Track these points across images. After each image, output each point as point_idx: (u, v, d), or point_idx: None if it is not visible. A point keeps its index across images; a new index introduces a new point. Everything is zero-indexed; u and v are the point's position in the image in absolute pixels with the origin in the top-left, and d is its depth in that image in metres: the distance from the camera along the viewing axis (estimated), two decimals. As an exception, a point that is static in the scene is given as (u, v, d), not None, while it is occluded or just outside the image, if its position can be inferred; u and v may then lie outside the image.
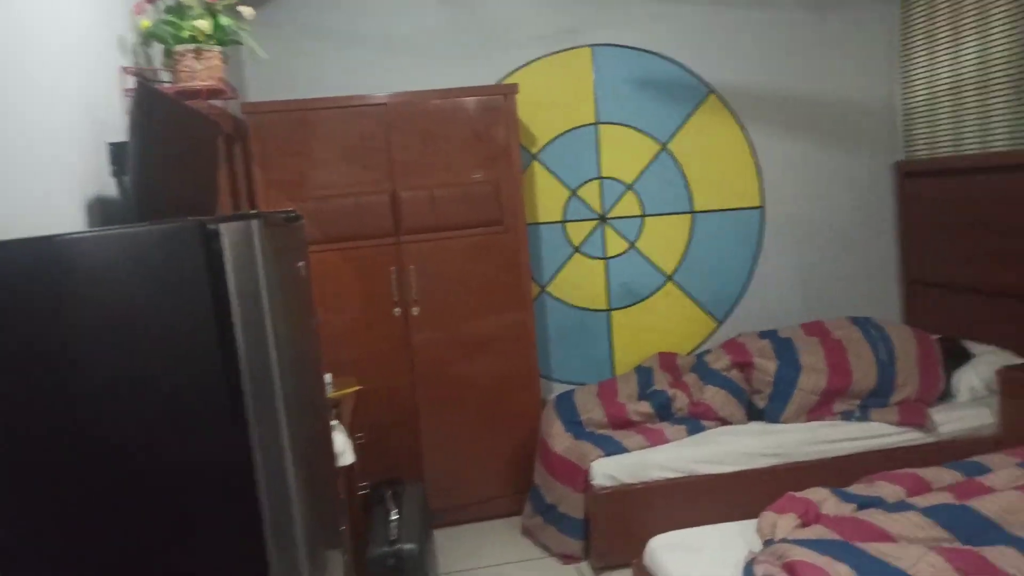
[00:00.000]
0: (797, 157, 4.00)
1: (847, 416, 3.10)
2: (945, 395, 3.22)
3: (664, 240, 3.95)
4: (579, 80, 3.79)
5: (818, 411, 3.13)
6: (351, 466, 2.31)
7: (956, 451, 2.91)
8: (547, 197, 3.83)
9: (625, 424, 3.20)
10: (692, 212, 3.96)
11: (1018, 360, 3.17)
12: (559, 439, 3.14)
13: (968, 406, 3.14)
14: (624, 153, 3.87)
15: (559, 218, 3.85)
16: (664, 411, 3.23)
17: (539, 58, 3.75)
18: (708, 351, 3.64)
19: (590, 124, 3.82)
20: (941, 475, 2.25)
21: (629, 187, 3.89)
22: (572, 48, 3.77)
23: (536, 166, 3.80)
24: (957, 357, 3.33)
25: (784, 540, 1.90)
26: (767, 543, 1.98)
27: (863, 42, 3.99)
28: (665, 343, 3.95)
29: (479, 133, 3.33)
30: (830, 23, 3.94)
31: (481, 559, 3.13)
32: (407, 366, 3.35)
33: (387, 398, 3.32)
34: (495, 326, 3.40)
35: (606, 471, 2.92)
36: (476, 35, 3.69)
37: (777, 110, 3.95)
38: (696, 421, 3.15)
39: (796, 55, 3.93)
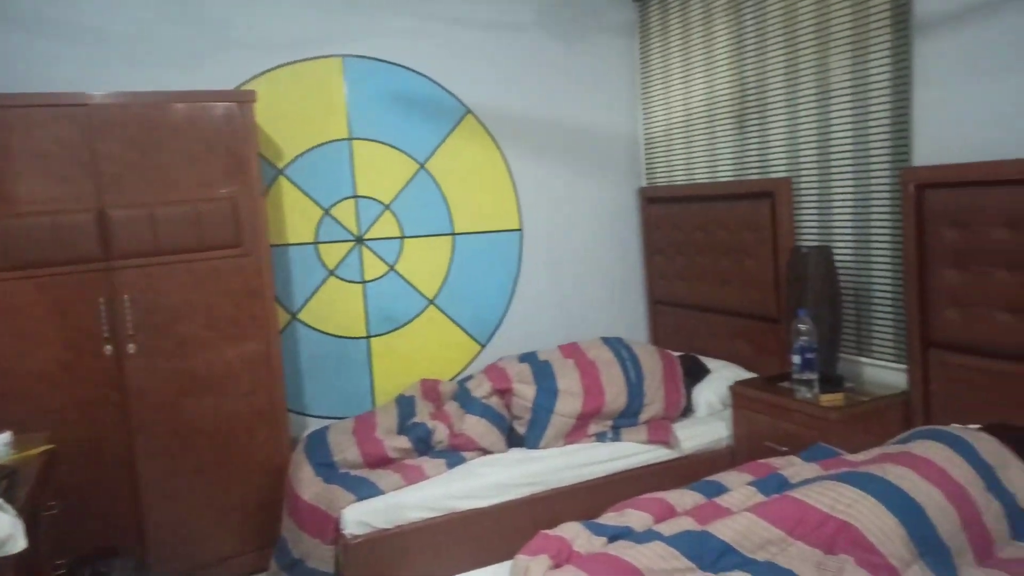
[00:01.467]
0: (551, 181, 4.07)
1: (601, 437, 3.15)
2: (686, 411, 3.40)
3: (425, 263, 3.80)
4: (329, 92, 3.53)
5: (574, 435, 3.15)
6: (33, 549, 1.85)
7: (697, 465, 3.08)
8: (297, 216, 3.51)
9: (383, 462, 2.98)
10: (453, 234, 3.86)
11: (747, 374, 3.44)
12: (308, 484, 2.83)
13: (706, 421, 3.33)
14: (381, 171, 3.67)
15: (311, 239, 3.55)
16: (424, 445, 3.06)
17: (282, 65, 3.43)
18: (470, 376, 3.54)
19: (343, 139, 3.57)
20: (684, 499, 2.30)
21: (387, 207, 3.69)
22: (320, 57, 3.50)
23: (283, 182, 3.47)
24: (696, 373, 3.54)
25: (537, 587, 1.80)
26: (521, 591, 1.87)
27: (607, 72, 4.17)
28: (429, 369, 3.80)
29: (211, 144, 2.94)
30: (575, 52, 4.07)
31: (216, 631, 2.72)
32: (120, 413, 2.84)
33: (95, 452, 2.79)
34: (232, 360, 3.01)
35: (359, 517, 2.67)
36: (208, 36, 3.28)
37: (531, 133, 3.99)
38: (457, 453, 3.02)
39: (546, 80, 4.00)
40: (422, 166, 3.74)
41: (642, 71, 4.21)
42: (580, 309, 4.17)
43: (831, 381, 2.92)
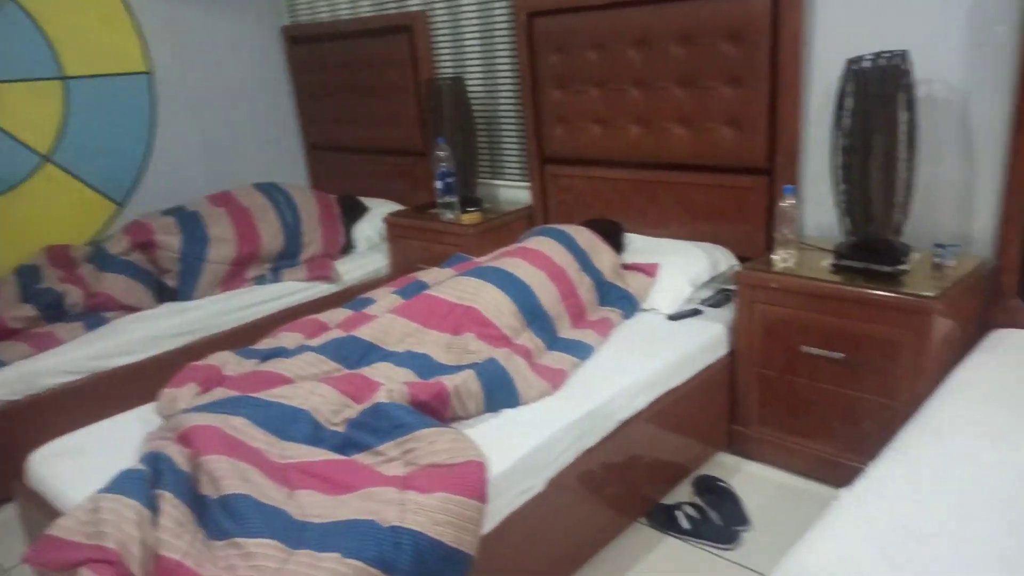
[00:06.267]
0: (181, 18, 3.67)
1: (260, 281, 3.14)
2: (347, 248, 3.51)
3: (30, 112, 3.26)
4: None
5: (232, 282, 3.09)
6: None
7: (358, 295, 3.22)
8: None
9: (6, 334, 2.65)
10: (63, 78, 3.34)
11: (399, 207, 3.62)
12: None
13: (366, 254, 3.48)
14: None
15: None
16: (54, 311, 2.76)
17: None
18: (109, 237, 3.23)
19: None
20: (336, 315, 2.43)
21: (-39, 44, 3.05)
22: None
23: None
24: (355, 212, 3.64)
25: (184, 411, 1.80)
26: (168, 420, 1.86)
27: None
28: (55, 235, 3.36)
29: None
30: None
31: None
32: None
33: None
34: None
35: (-20, 394, 2.38)
36: None
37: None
38: (96, 314, 2.79)
39: None
40: (5, -7, 3.12)
41: None
42: (232, 158, 3.96)
43: (470, 202, 3.21)
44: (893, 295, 1.95)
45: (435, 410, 1.80)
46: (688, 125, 2.62)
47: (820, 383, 2.15)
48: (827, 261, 2.19)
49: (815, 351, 2.12)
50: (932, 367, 1.94)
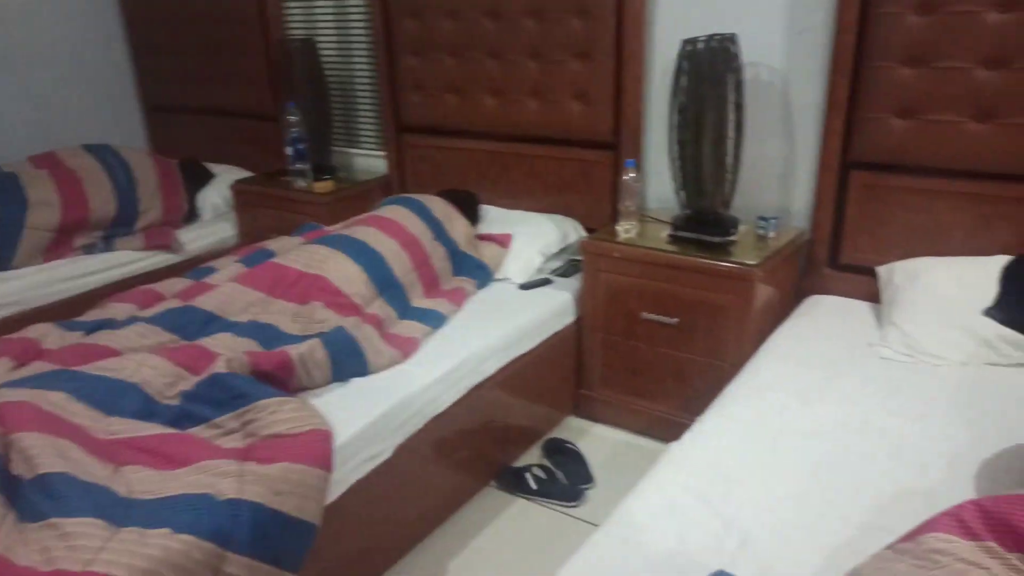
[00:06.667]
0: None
1: (90, 250, 2.90)
2: (191, 216, 3.31)
3: None
4: None
5: (57, 250, 2.84)
6: None
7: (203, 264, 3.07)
8: None
9: None
10: None
11: (249, 174, 3.45)
12: None
13: (212, 223, 3.30)
14: None
15: None
16: None
17: None
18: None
19: None
20: (174, 285, 2.30)
21: None
22: None
23: None
24: (199, 178, 3.43)
25: (-5, 389, 1.65)
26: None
27: None
28: None
29: None
30: None
31: None
32: None
33: None
34: None
35: None
36: None
37: None
38: None
39: None
40: None
41: None
42: (61, 118, 3.61)
43: (324, 170, 3.11)
44: (720, 264, 2.10)
45: (279, 380, 1.75)
46: (540, 98, 2.67)
47: (657, 347, 2.28)
48: (666, 232, 2.31)
49: (653, 317, 2.24)
50: (754, 330, 2.11)
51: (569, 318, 2.43)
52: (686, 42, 2.12)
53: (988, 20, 1.86)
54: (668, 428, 2.29)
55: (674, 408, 2.31)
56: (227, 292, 2.08)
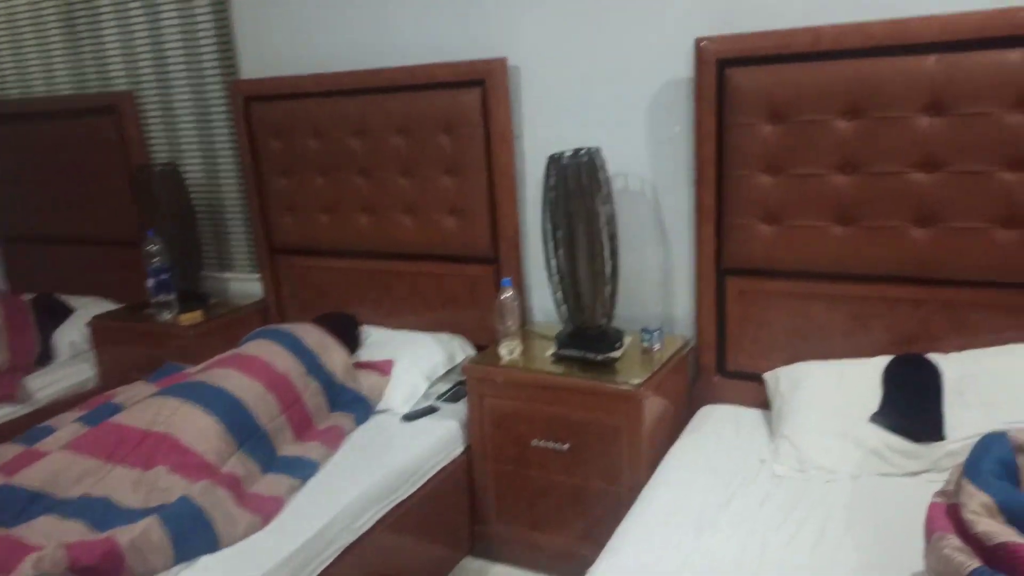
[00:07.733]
0: None
1: (-83, 410, 2.57)
2: (45, 358, 3.01)
3: None
4: None
5: None
6: None
7: (57, 415, 2.76)
8: None
9: None
10: None
11: (114, 306, 3.19)
12: None
13: (69, 363, 3.01)
14: None
15: None
16: None
17: None
18: None
19: None
20: (5, 452, 2.02)
21: None
22: None
23: None
24: (56, 315, 3.15)
25: None
26: None
27: None
28: None
29: None
30: None
31: None
32: None
33: None
34: None
35: None
36: None
37: None
38: None
39: None
40: None
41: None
42: None
43: (194, 298, 2.91)
44: (606, 385, 1.99)
45: (106, 574, 1.50)
46: (414, 214, 2.58)
47: (551, 474, 2.13)
48: (551, 350, 2.21)
49: (543, 444, 2.10)
50: (648, 448, 2.00)
51: (458, 448, 2.26)
52: (552, 157, 2.07)
53: (837, 127, 1.89)
54: (570, 563, 2.12)
55: (574, 539, 2.15)
56: (58, 462, 1.82)
